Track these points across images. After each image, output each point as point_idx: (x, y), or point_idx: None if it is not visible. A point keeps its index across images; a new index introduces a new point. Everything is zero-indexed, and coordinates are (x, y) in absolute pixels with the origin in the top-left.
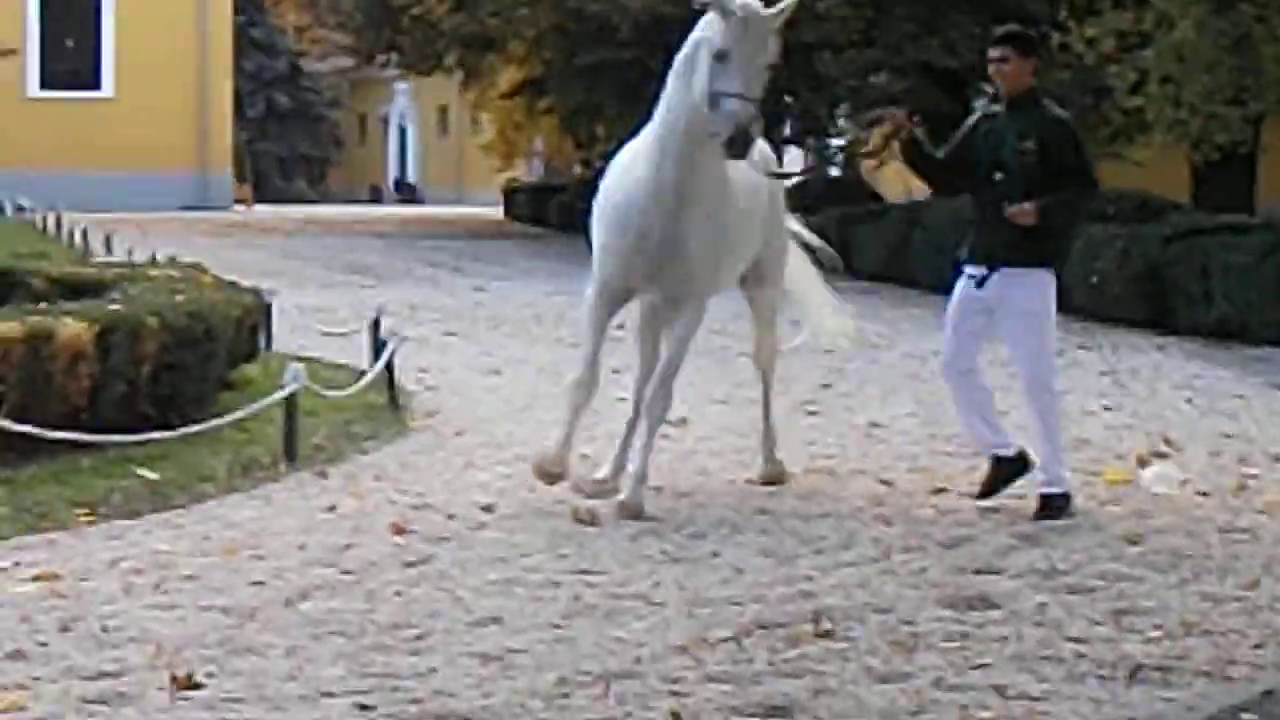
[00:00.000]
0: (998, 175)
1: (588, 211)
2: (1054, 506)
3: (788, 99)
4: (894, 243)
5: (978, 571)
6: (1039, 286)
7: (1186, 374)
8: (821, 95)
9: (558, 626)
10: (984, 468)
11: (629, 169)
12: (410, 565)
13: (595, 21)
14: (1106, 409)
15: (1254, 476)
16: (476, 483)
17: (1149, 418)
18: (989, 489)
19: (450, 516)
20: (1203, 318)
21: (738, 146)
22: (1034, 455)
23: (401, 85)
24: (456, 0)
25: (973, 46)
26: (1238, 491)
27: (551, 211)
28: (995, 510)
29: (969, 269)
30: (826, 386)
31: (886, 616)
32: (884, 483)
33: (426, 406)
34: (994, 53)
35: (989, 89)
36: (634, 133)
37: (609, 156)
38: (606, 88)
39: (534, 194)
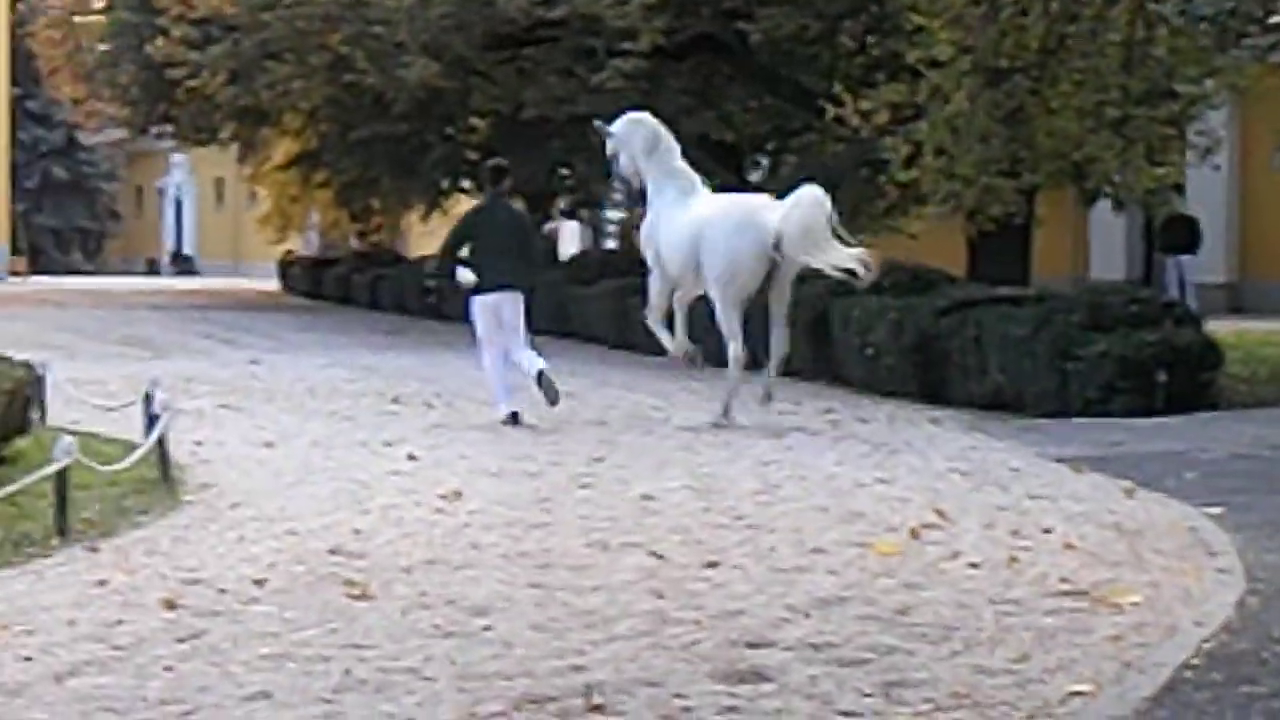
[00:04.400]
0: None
1: (367, 285)
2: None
3: (564, 172)
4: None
5: (750, 644)
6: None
7: (960, 446)
8: (597, 168)
9: (328, 701)
10: (758, 541)
11: None
12: (181, 640)
13: (371, 95)
14: (880, 482)
15: (1026, 549)
16: (249, 556)
17: (922, 490)
18: None
19: (222, 591)
20: (977, 389)
21: None
22: None
23: (178, 157)
24: (231, 73)
25: (747, 120)
26: (1010, 564)
27: (327, 284)
28: (770, 583)
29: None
30: (599, 460)
31: (657, 690)
32: (656, 555)
33: (200, 480)
34: None
35: None
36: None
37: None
38: (382, 161)
39: (310, 267)
